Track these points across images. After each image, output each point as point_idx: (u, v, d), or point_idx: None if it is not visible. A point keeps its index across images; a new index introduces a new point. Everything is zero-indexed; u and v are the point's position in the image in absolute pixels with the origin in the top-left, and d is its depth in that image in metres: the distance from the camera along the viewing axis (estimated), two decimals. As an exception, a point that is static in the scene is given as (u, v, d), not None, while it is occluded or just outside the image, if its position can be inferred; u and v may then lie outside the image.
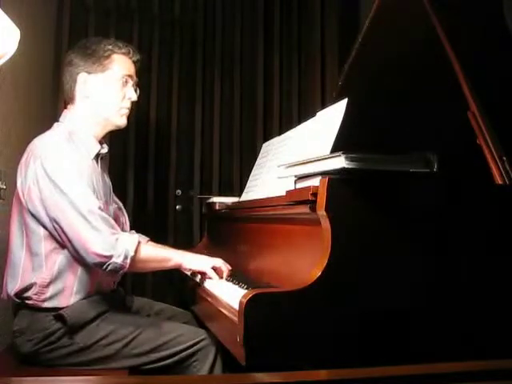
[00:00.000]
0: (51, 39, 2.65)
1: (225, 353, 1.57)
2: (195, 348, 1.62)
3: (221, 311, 1.33)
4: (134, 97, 1.82)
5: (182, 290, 2.05)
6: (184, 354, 1.62)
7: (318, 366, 1.07)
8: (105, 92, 1.76)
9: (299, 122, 1.91)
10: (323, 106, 2.06)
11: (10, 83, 1.90)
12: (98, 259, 1.53)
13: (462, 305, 1.21)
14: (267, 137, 2.64)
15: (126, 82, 1.80)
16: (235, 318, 1.16)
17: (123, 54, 1.79)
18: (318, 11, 3.07)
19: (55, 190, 1.55)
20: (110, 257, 1.53)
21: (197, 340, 1.63)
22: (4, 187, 1.82)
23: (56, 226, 1.57)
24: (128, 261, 1.55)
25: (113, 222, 1.62)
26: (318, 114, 1.63)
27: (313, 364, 1.09)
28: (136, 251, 1.57)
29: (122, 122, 1.81)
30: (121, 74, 1.77)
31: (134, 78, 1.84)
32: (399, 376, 0.99)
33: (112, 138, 2.67)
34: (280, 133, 2.23)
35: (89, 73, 1.74)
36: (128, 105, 1.82)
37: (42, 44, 2.42)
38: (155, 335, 1.63)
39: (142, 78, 2.74)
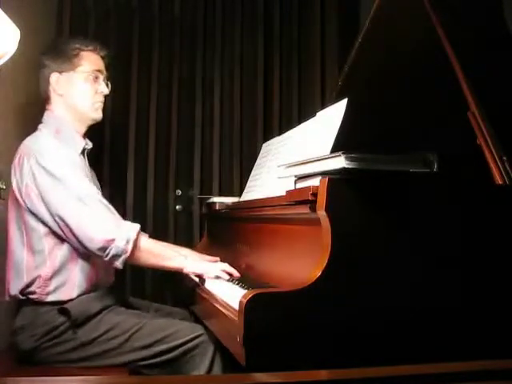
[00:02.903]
0: (51, 39, 2.64)
1: (225, 352, 1.57)
2: (194, 342, 1.63)
3: (221, 311, 1.33)
4: (106, 90, 1.89)
5: (180, 290, 2.05)
6: (184, 347, 1.62)
7: (318, 366, 1.07)
8: (77, 89, 1.83)
9: (299, 122, 1.91)
10: (323, 105, 2.06)
11: (10, 83, 1.90)
12: (101, 244, 1.56)
13: (462, 305, 1.21)
14: (267, 137, 2.63)
15: (97, 77, 1.87)
16: (235, 318, 1.16)
17: (90, 50, 1.86)
18: (317, 11, 3.06)
19: (54, 184, 1.59)
20: (113, 240, 1.56)
21: (196, 334, 1.64)
22: (4, 187, 1.82)
23: (57, 219, 1.60)
24: (130, 245, 1.57)
25: (113, 209, 1.65)
26: (318, 114, 1.63)
27: (313, 364, 1.09)
28: (138, 237, 1.60)
29: (97, 115, 1.88)
30: (90, 70, 1.84)
31: (104, 72, 1.90)
32: (399, 376, 0.99)
33: (112, 137, 2.68)
34: (280, 133, 2.23)
35: (60, 72, 1.81)
36: (101, 99, 1.89)
37: (42, 44, 2.42)
38: (156, 329, 1.65)
39: (142, 78, 2.76)
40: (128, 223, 1.62)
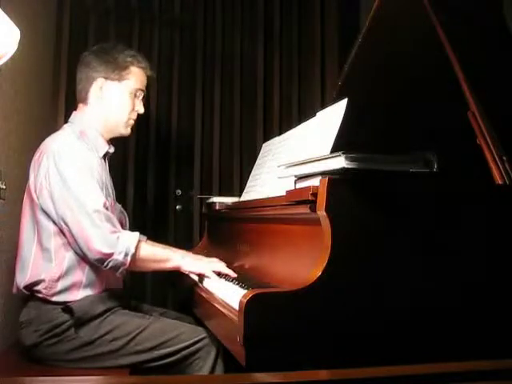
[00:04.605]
0: (51, 39, 2.65)
1: (227, 355, 1.57)
2: (197, 346, 1.64)
3: (221, 311, 1.32)
4: (142, 110, 1.91)
5: (182, 295, 2.05)
6: (186, 351, 1.63)
7: (317, 366, 1.07)
8: (117, 100, 1.84)
9: (299, 121, 1.91)
10: (323, 106, 2.06)
11: (10, 83, 1.90)
12: (99, 256, 1.57)
13: (462, 305, 1.21)
14: (267, 137, 2.64)
15: (137, 95, 1.88)
16: (235, 318, 1.16)
17: (141, 68, 1.88)
18: (317, 11, 3.07)
19: (64, 187, 1.61)
20: (111, 254, 1.57)
21: (199, 338, 1.64)
22: (4, 187, 1.82)
23: (62, 222, 1.61)
24: (129, 258, 1.59)
25: (116, 220, 1.67)
26: (318, 113, 1.63)
27: (313, 364, 1.09)
28: (136, 249, 1.61)
29: (126, 131, 1.90)
30: (135, 87, 1.86)
31: (144, 92, 1.92)
32: (399, 376, 0.99)
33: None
34: (280, 133, 2.23)
35: (106, 78, 1.82)
36: (135, 116, 1.90)
37: (42, 44, 2.42)
38: (158, 332, 1.65)
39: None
40: (127, 236, 1.62)
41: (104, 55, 1.83)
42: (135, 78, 1.85)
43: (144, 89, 1.90)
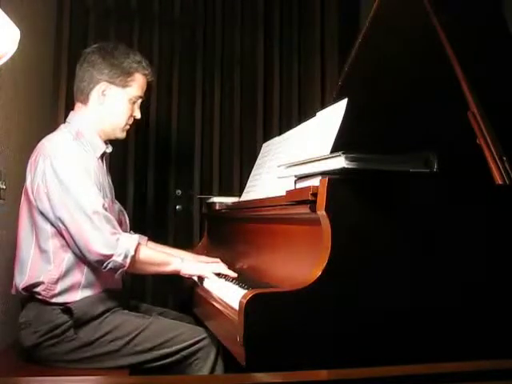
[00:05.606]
0: (51, 39, 2.65)
1: (225, 352, 1.57)
2: (197, 346, 1.64)
3: (221, 311, 1.33)
4: (139, 116, 1.89)
5: (182, 295, 2.05)
6: (186, 352, 1.63)
7: (318, 366, 1.07)
8: (118, 106, 1.82)
9: (299, 121, 1.91)
10: (323, 106, 2.06)
11: (10, 83, 1.90)
12: (99, 257, 1.57)
13: (462, 305, 1.21)
14: (267, 137, 2.63)
15: (136, 101, 1.86)
16: (235, 318, 1.16)
17: (144, 75, 1.85)
18: (318, 11, 3.07)
19: (62, 189, 1.60)
20: (111, 256, 1.57)
21: (198, 338, 1.64)
22: (4, 187, 1.82)
23: (60, 224, 1.61)
24: (128, 260, 1.59)
25: (115, 222, 1.67)
26: (318, 114, 1.63)
27: (313, 364, 1.09)
28: (136, 251, 1.61)
29: (122, 135, 1.88)
30: (136, 94, 1.84)
31: (143, 97, 1.90)
32: (399, 376, 0.99)
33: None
34: (280, 133, 2.23)
35: (110, 83, 1.79)
36: (131, 121, 1.89)
37: (42, 44, 2.42)
38: (158, 333, 1.65)
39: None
40: (127, 238, 1.62)
41: (110, 58, 1.79)
42: (138, 85, 1.83)
43: (143, 96, 1.89)
